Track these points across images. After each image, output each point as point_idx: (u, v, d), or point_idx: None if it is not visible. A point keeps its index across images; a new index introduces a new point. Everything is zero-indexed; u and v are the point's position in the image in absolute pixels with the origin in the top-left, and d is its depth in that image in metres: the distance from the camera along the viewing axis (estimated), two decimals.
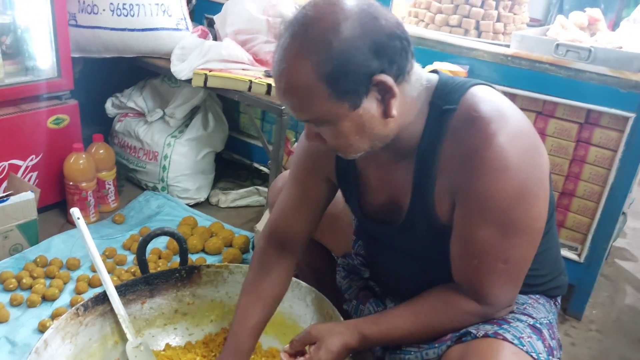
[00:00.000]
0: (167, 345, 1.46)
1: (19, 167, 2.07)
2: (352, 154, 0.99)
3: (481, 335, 0.97)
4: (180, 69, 2.17)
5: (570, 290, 1.89)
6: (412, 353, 1.08)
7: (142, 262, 1.51)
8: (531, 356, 0.95)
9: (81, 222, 1.45)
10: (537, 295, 1.13)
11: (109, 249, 1.97)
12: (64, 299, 1.73)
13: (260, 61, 2.21)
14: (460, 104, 0.96)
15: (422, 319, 1.04)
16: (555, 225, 1.16)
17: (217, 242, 2.05)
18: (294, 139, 2.38)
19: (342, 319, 1.25)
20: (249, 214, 2.42)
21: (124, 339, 1.37)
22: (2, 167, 2.02)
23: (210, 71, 2.06)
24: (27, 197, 1.88)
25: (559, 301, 1.20)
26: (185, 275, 1.48)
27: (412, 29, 2.14)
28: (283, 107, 1.89)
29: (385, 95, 0.91)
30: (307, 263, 1.53)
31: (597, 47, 1.71)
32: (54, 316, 1.63)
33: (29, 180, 2.11)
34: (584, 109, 1.73)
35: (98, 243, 1.68)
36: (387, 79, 0.89)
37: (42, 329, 1.57)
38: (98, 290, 1.63)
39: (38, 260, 1.85)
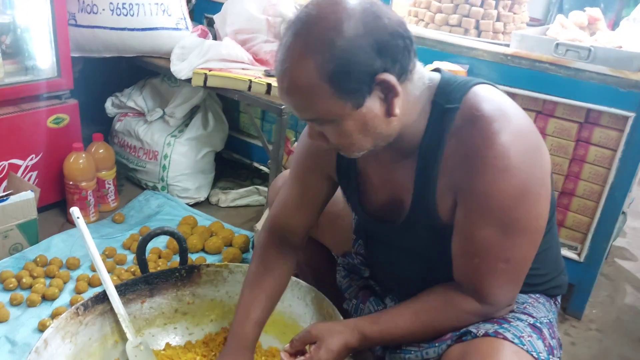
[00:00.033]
0: (167, 345, 1.46)
1: (19, 166, 2.07)
2: (355, 153, 0.99)
3: (481, 334, 0.97)
4: (180, 69, 2.17)
5: (570, 289, 1.89)
6: (413, 352, 1.08)
7: (142, 261, 1.51)
8: (531, 355, 0.95)
9: (81, 222, 1.45)
10: (537, 295, 1.13)
11: (109, 249, 1.97)
12: (64, 298, 1.73)
13: (260, 61, 2.21)
14: (463, 103, 0.96)
15: (423, 318, 1.04)
16: (555, 224, 1.16)
17: (217, 242, 2.05)
18: (294, 139, 2.38)
19: (342, 318, 1.25)
20: (248, 214, 2.42)
21: (123, 338, 1.36)
22: (2, 167, 2.02)
23: (210, 71, 2.06)
24: (27, 197, 1.88)
25: (559, 300, 1.20)
26: (185, 274, 1.48)
27: (412, 29, 2.13)
28: (283, 107, 1.89)
29: (389, 94, 0.91)
30: (307, 262, 1.53)
31: (596, 47, 1.72)
32: (54, 315, 1.63)
33: (29, 179, 2.11)
34: (584, 108, 1.74)
35: (98, 242, 1.68)
36: (390, 78, 0.89)
37: (42, 328, 1.57)
38: (98, 289, 1.63)
39: (38, 259, 1.85)
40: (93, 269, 1.86)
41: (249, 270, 1.28)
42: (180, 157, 2.38)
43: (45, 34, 2.07)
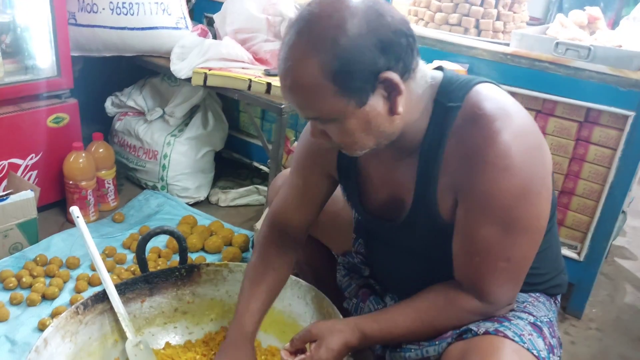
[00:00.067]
0: (167, 344, 1.46)
1: (19, 166, 2.07)
2: (357, 151, 0.99)
3: (482, 332, 0.97)
4: (180, 68, 2.17)
5: (570, 289, 1.89)
6: (413, 350, 1.08)
7: (141, 260, 1.51)
8: (532, 353, 0.95)
9: (81, 221, 1.45)
10: (537, 294, 1.13)
11: (109, 248, 1.97)
12: (64, 297, 1.73)
13: (260, 60, 2.21)
14: (465, 102, 0.96)
15: (423, 316, 1.04)
16: (556, 224, 1.16)
17: (216, 241, 2.05)
18: (294, 138, 2.38)
19: (341, 317, 1.25)
20: (248, 213, 2.42)
21: (123, 337, 1.36)
22: (2, 166, 2.02)
23: (209, 70, 2.06)
24: (27, 196, 1.88)
25: (559, 300, 1.20)
26: (185, 273, 1.48)
27: (412, 28, 2.14)
28: (283, 106, 1.89)
29: (392, 92, 0.91)
30: (307, 261, 1.53)
31: (596, 46, 1.72)
32: (54, 315, 1.63)
33: (29, 179, 2.11)
34: (584, 107, 1.74)
35: (98, 242, 1.68)
36: (394, 76, 0.89)
37: (42, 327, 1.57)
38: (98, 288, 1.63)
39: (38, 259, 1.85)
40: (93, 268, 1.86)
41: (250, 263, 1.28)
42: (180, 157, 2.38)
43: (45, 33, 2.07)
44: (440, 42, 1.96)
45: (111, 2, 2.22)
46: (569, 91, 1.74)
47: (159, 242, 2.04)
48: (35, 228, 1.95)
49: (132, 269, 1.86)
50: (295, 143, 2.21)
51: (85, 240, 1.44)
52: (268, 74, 2.06)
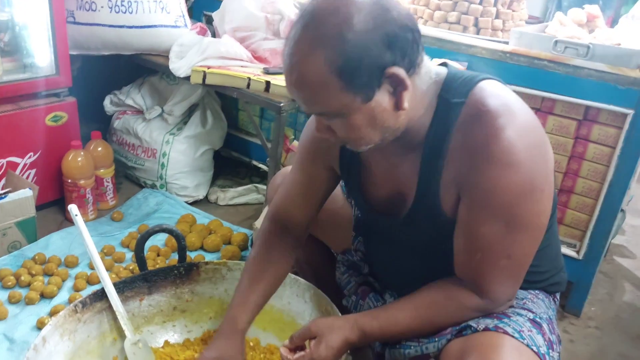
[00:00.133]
0: (166, 342, 1.46)
1: (17, 164, 2.07)
2: (362, 147, 0.99)
3: (482, 328, 0.97)
4: (178, 66, 2.17)
5: (569, 287, 1.89)
6: (412, 347, 1.08)
7: (140, 259, 1.51)
8: (531, 349, 0.95)
9: (79, 220, 1.44)
10: (536, 291, 1.13)
11: (107, 247, 1.97)
12: (62, 296, 1.73)
13: (259, 58, 2.21)
14: (469, 98, 0.96)
15: (422, 313, 1.04)
16: (556, 222, 1.16)
17: (215, 240, 2.05)
18: (293, 137, 2.38)
19: (340, 315, 1.25)
20: (247, 212, 2.41)
21: (122, 336, 1.36)
22: (0, 165, 2.02)
23: (208, 68, 2.05)
24: (26, 195, 1.87)
25: (558, 298, 1.20)
26: (183, 272, 1.48)
27: None
28: (282, 104, 1.89)
29: (398, 87, 0.91)
30: (306, 260, 1.53)
31: (595, 44, 1.71)
32: (52, 313, 1.63)
33: (27, 177, 2.11)
34: (583, 105, 1.74)
35: (96, 240, 1.68)
36: (400, 71, 0.89)
37: (40, 326, 1.57)
38: (96, 287, 1.62)
39: (36, 257, 1.85)
40: (91, 266, 1.86)
41: (250, 256, 1.28)
42: (179, 155, 2.38)
43: (44, 31, 2.06)
44: (439, 41, 1.96)
45: (110, 1, 2.22)
46: (567, 89, 1.74)
47: (158, 240, 2.04)
48: (33, 226, 1.95)
49: (130, 267, 1.86)
50: (295, 142, 2.21)
51: (84, 239, 1.43)
52: (267, 72, 2.05)
